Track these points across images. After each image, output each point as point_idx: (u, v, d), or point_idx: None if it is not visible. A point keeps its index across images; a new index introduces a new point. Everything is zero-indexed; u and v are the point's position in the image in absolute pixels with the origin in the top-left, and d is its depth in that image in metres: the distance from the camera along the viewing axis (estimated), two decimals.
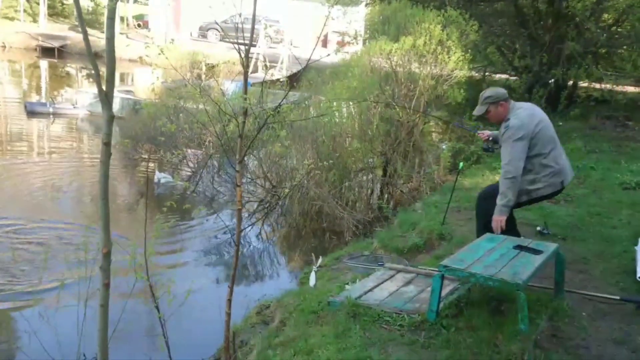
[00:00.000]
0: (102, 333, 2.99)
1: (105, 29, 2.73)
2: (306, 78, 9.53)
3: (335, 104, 8.39)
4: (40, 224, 7.57)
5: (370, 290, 3.97)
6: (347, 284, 4.35)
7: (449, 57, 7.77)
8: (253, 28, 3.46)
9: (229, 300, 3.87)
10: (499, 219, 4.04)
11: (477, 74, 9.71)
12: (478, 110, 4.33)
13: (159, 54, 4.20)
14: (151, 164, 11.35)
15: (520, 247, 3.57)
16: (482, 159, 8.56)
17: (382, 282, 4.11)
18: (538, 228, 5.29)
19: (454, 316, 3.44)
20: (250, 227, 8.54)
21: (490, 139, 4.66)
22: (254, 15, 3.50)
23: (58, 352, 4.32)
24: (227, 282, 6.54)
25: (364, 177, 9.05)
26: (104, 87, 2.70)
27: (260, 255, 7.52)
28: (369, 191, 8.65)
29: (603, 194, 6.70)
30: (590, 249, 4.84)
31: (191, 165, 11.04)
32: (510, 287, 3.09)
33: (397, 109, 8.19)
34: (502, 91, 4.30)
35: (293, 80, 17.85)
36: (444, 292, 3.84)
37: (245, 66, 3.50)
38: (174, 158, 11.12)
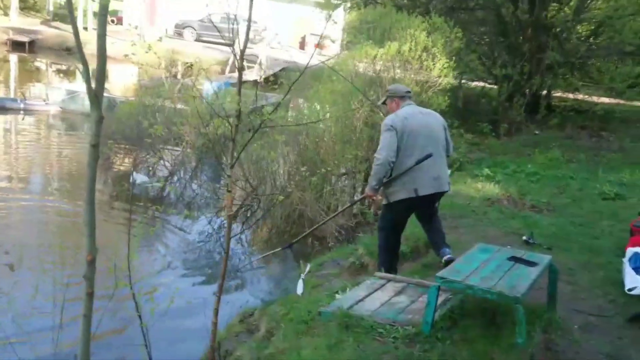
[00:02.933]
0: (84, 345, 2.84)
1: (97, 26, 2.60)
2: (289, 80, 9.42)
3: (319, 107, 8.31)
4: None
5: (361, 300, 3.90)
6: (337, 292, 4.26)
7: (434, 64, 7.77)
8: (249, 29, 3.36)
9: (216, 310, 3.76)
10: (367, 195, 4.64)
11: (455, 81, 9.75)
12: (380, 101, 5.03)
13: (147, 51, 4.06)
14: (126, 163, 11.10)
15: (514, 259, 3.54)
16: (464, 167, 8.60)
17: (373, 292, 4.03)
18: (524, 237, 5.30)
19: (448, 328, 3.39)
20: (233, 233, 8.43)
21: None
22: (249, 17, 3.39)
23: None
24: (209, 286, 6.42)
25: (346, 182, 9.01)
26: (93, 86, 2.58)
27: (240, 259, 7.37)
28: (352, 196, 8.58)
29: (583, 204, 6.79)
30: (575, 259, 4.87)
31: (168, 165, 10.83)
32: (509, 301, 3.05)
33: (382, 114, 8.16)
34: (401, 89, 4.70)
35: (269, 80, 17.82)
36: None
37: (240, 68, 3.39)
38: (150, 158, 10.90)
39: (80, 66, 2.62)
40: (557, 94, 14.77)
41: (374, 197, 4.79)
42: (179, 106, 11.62)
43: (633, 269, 4.13)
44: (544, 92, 13.61)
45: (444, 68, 7.83)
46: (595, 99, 14.54)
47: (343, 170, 8.75)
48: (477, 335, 3.31)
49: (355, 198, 8.13)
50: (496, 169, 8.33)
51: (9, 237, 6.92)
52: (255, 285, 6.61)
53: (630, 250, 4.31)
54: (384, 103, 4.89)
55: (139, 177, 9.39)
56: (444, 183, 4.65)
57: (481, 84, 14.44)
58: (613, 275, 4.50)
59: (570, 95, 14.55)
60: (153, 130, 5.43)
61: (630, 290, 4.04)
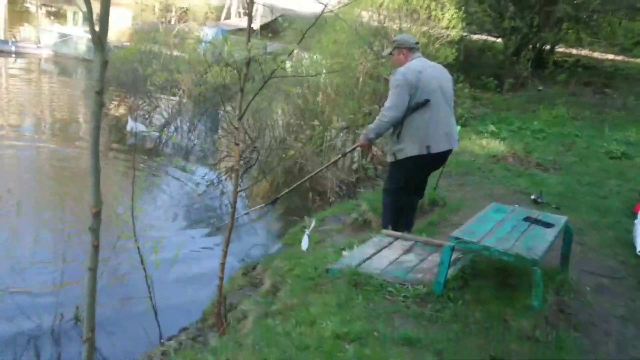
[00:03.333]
0: (89, 298, 2.75)
1: None
2: (291, 28, 9.12)
3: (320, 58, 8.04)
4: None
5: (369, 258, 3.81)
6: (344, 249, 4.17)
7: (442, 14, 7.48)
8: None
9: (222, 265, 3.68)
10: (361, 144, 4.41)
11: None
12: (385, 51, 4.60)
13: None
14: (121, 110, 10.85)
15: (530, 220, 3.45)
16: (468, 122, 8.43)
17: (380, 250, 3.95)
18: (532, 196, 5.21)
19: (460, 288, 3.32)
20: (225, 180, 8.30)
21: None
22: None
23: (33, 310, 4.08)
24: (211, 238, 6.35)
25: (348, 136, 8.84)
26: (96, 28, 2.39)
27: (238, 212, 7.27)
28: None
29: (590, 162, 6.69)
30: (584, 219, 4.80)
31: (165, 114, 10.61)
32: (526, 263, 2.97)
33: (387, 66, 7.91)
34: (410, 40, 4.38)
35: (265, 29, 17.28)
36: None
37: (250, 13, 3.17)
38: (146, 106, 10.66)
39: (75, 8, 2.40)
40: (560, 49, 14.46)
41: (367, 148, 4.59)
42: (175, 53, 11.30)
43: None
44: (547, 47, 13.29)
45: (453, 19, 7.54)
46: (597, 55, 14.24)
47: (344, 124, 8.57)
48: (489, 296, 3.24)
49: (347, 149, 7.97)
50: (501, 125, 8.18)
51: (3, 181, 6.79)
52: (256, 237, 6.54)
53: None
54: (390, 54, 4.64)
55: (136, 126, 9.18)
56: (455, 139, 4.50)
57: (483, 37, 14.07)
58: (622, 235, 4.44)
59: (574, 51, 14.24)
60: (155, 78, 5.18)
61: None
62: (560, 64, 11.74)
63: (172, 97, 10.77)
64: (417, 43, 4.46)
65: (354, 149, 4.85)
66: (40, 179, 7.44)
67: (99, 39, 2.35)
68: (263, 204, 5.38)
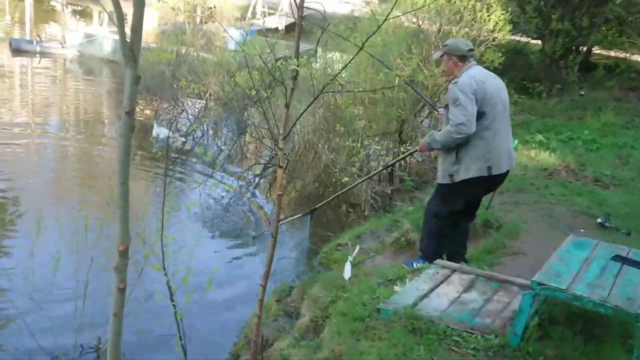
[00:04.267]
0: (114, 345, 2.39)
1: None
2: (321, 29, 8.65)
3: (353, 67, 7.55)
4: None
5: (426, 295, 3.35)
6: (394, 281, 3.72)
7: (488, 16, 6.96)
8: None
9: (261, 301, 3.25)
10: (421, 148, 4.04)
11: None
12: (435, 55, 4.06)
13: None
14: (146, 113, 10.52)
15: (620, 259, 2.95)
16: (513, 131, 7.87)
17: (437, 285, 3.49)
18: (599, 220, 4.69)
19: (538, 339, 2.84)
20: (253, 187, 7.90)
21: None
22: None
23: (52, 342, 3.72)
24: (241, 249, 5.95)
25: (380, 144, 8.37)
26: (127, 39, 1.99)
27: (268, 225, 6.85)
28: (388, 160, 7.95)
29: None
30: None
31: (191, 118, 10.25)
32: (628, 317, 2.48)
33: (425, 71, 7.42)
34: (463, 46, 3.84)
35: (291, 29, 16.86)
36: (515, 305, 3.25)
37: (300, 17, 2.73)
38: (172, 109, 10.32)
39: (105, 9, 1.97)
40: (597, 51, 13.76)
41: (424, 152, 4.20)
42: (202, 54, 10.94)
43: None
44: (585, 49, 12.63)
45: (500, 20, 7.02)
46: (635, 57, 13.42)
47: (377, 132, 8.09)
48: (574, 350, 2.76)
49: (391, 160, 7.47)
50: (549, 134, 7.63)
51: (26, 185, 6.55)
52: (287, 253, 6.10)
53: None
54: (440, 58, 4.14)
55: (161, 131, 8.82)
56: (513, 157, 4.03)
57: (516, 37, 13.41)
58: None
59: (612, 53, 13.52)
60: (190, 88, 4.70)
61: None
62: (608, 68, 11.05)
63: (198, 101, 10.40)
64: (472, 50, 3.95)
65: (411, 153, 4.32)
66: (63, 178, 7.21)
67: (132, 51, 1.95)
68: (301, 214, 4.92)
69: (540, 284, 2.66)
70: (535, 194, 5.41)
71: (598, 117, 8.98)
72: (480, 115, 3.66)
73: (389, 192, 7.21)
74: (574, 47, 11.05)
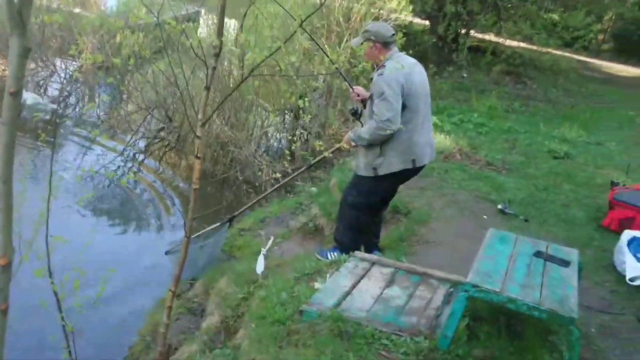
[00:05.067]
0: None
1: None
2: None
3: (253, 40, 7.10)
4: None
5: (348, 293, 3.17)
6: (310, 275, 3.50)
7: None
8: None
9: (169, 308, 2.87)
10: (345, 144, 3.82)
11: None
12: (355, 42, 3.81)
13: None
14: (6, 74, 9.19)
15: (541, 255, 2.97)
16: None
17: (359, 281, 3.32)
18: (499, 206, 4.83)
19: (468, 340, 2.78)
20: (138, 164, 7.24)
21: (366, 99, 3.81)
22: None
23: None
24: (127, 235, 5.38)
25: (278, 119, 8.06)
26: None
27: (158, 205, 6.30)
28: (287, 137, 7.68)
29: (538, 163, 6.47)
30: (555, 234, 4.48)
31: (63, 81, 9.15)
32: (562, 321, 2.47)
33: (325, 45, 7.18)
34: (386, 33, 3.63)
35: None
36: (437, 301, 3.19)
37: None
38: (41, 71, 9.13)
39: None
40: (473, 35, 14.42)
41: (348, 148, 3.93)
42: (76, 10, 9.77)
43: (634, 255, 3.77)
44: (462, 31, 13.18)
45: (402, 0, 6.95)
46: (502, 41, 14.23)
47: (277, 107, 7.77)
48: (501, 350, 2.74)
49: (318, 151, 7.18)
50: (442, 116, 7.81)
51: None
52: (179, 232, 5.63)
53: (629, 234, 3.94)
54: (360, 44, 3.90)
55: (28, 97, 7.74)
56: (433, 149, 3.95)
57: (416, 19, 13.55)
58: (601, 256, 4.17)
59: (486, 37, 14.25)
60: (48, 19, 3.93)
61: (632, 280, 3.69)
62: (493, 52, 11.58)
63: (72, 62, 9.30)
64: (394, 34, 3.76)
65: (334, 150, 4.07)
66: None
67: (20, 15, 1.48)
68: (219, 223, 4.49)
69: (475, 286, 2.58)
70: (437, 178, 5.46)
71: (482, 100, 9.39)
72: (406, 108, 3.51)
73: (290, 171, 6.94)
74: (463, 31, 11.46)
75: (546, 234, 4.44)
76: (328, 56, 4.66)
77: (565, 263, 2.91)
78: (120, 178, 6.21)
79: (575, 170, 6.33)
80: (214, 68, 2.40)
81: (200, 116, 2.48)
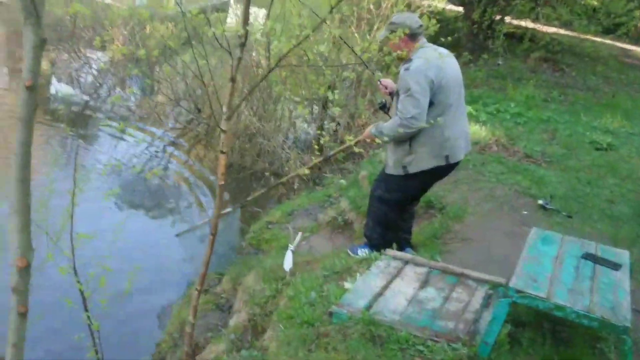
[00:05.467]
0: None
1: None
2: None
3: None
4: None
5: (380, 294, 3.02)
6: (340, 274, 3.36)
7: None
8: None
9: (195, 307, 2.77)
10: (366, 137, 3.59)
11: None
12: (381, 35, 3.56)
13: None
14: (43, 66, 9.27)
15: (591, 257, 2.76)
16: None
17: (391, 281, 3.17)
18: (540, 201, 4.58)
19: (509, 347, 2.60)
20: (167, 155, 7.19)
21: (394, 92, 3.63)
22: None
23: None
24: (159, 230, 5.34)
25: (307, 110, 7.89)
26: None
27: (187, 198, 6.24)
28: (316, 127, 7.52)
29: (579, 155, 6.16)
30: (602, 232, 4.22)
31: (94, 72, 9.18)
32: (615, 330, 2.28)
33: (355, 33, 6.98)
34: (413, 24, 3.39)
35: None
36: (476, 303, 3.01)
37: None
38: (72, 62, 9.17)
39: None
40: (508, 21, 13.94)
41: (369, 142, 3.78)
42: (107, 1, 9.77)
43: None
44: (498, 17, 12.73)
45: None
46: (539, 27, 13.70)
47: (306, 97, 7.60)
48: (545, 358, 2.56)
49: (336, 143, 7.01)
50: (477, 106, 7.53)
51: None
52: (204, 228, 5.55)
53: None
54: (387, 38, 3.68)
55: (61, 88, 7.77)
56: (469, 141, 3.75)
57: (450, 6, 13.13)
58: None
59: (522, 23, 13.76)
60: (75, 8, 3.64)
61: None
62: (531, 39, 11.15)
63: (102, 53, 9.32)
64: (421, 26, 3.52)
65: (356, 142, 3.86)
66: None
67: (33, 4, 1.38)
68: (231, 208, 4.40)
69: (518, 291, 2.39)
70: (473, 171, 5.23)
71: (519, 89, 9.04)
72: (437, 102, 3.32)
73: (319, 164, 6.80)
74: (498, 17, 11.06)
75: (591, 231, 4.20)
76: (354, 51, 4.48)
77: (616, 266, 2.70)
78: (147, 172, 6.15)
79: (619, 162, 6.01)
80: (240, 59, 2.27)
81: (225, 109, 2.35)
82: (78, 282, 2.57)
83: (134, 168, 5.84)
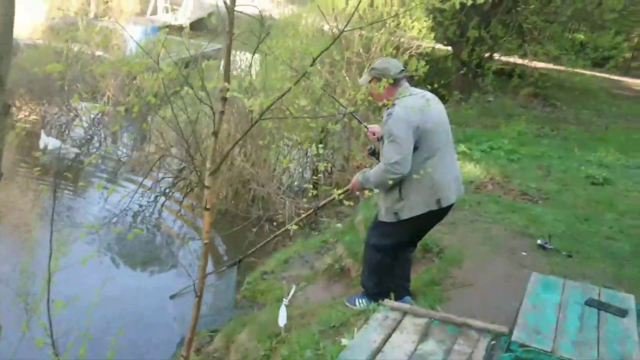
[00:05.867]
0: None
1: None
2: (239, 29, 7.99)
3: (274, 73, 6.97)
4: None
5: (379, 349, 2.88)
6: (336, 328, 3.22)
7: (412, 23, 6.68)
8: None
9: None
10: (353, 188, 3.59)
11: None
12: (363, 80, 3.58)
13: None
14: (32, 120, 9.26)
15: (594, 304, 2.65)
16: None
17: (390, 334, 3.03)
18: (539, 241, 4.48)
19: None
20: (159, 203, 7.09)
21: (380, 140, 3.60)
22: None
23: None
24: (150, 281, 5.19)
25: (299, 153, 7.87)
26: None
27: (178, 251, 6.12)
28: (308, 171, 7.47)
29: (576, 190, 6.10)
30: (605, 271, 4.12)
31: (85, 125, 9.16)
32: None
33: (345, 77, 7.02)
34: (393, 68, 3.37)
35: (197, 26, 15.89)
36: (479, 356, 2.87)
37: (231, 26, 2.14)
38: (62, 116, 9.16)
39: None
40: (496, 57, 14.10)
41: (357, 191, 3.78)
42: (98, 53, 9.86)
43: None
44: (486, 55, 12.89)
45: (423, 28, 6.76)
46: (527, 62, 13.82)
47: (299, 140, 7.57)
48: None
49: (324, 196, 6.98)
50: (471, 144, 7.51)
51: None
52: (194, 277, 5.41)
53: None
54: (369, 82, 3.53)
55: (50, 141, 7.73)
56: (461, 183, 3.68)
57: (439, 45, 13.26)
58: None
59: (510, 59, 13.93)
60: (51, 68, 3.60)
61: None
62: (520, 75, 11.25)
63: (94, 105, 9.33)
64: (403, 70, 3.48)
65: (343, 193, 3.79)
66: None
67: None
68: (227, 265, 4.26)
69: (522, 345, 2.27)
70: (469, 211, 5.15)
71: (511, 125, 9.08)
72: (423, 147, 3.28)
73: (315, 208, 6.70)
74: (487, 55, 11.21)
75: (592, 271, 4.09)
76: (341, 104, 4.48)
77: (622, 312, 2.59)
78: (129, 231, 6.03)
79: (616, 196, 5.94)
80: (222, 112, 2.20)
81: (208, 164, 2.27)
82: (56, 355, 2.42)
83: (115, 230, 5.72)
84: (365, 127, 3.80)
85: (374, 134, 3.63)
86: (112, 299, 4.11)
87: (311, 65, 2.08)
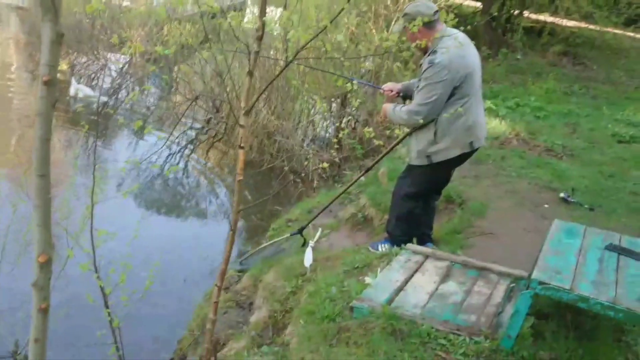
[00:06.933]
0: None
1: None
2: None
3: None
4: None
5: (401, 288, 3.01)
6: (360, 269, 3.35)
7: None
8: None
9: (216, 304, 2.78)
10: (383, 114, 3.59)
11: None
12: (396, 28, 3.53)
13: None
14: (63, 67, 9.39)
15: (615, 249, 2.71)
16: None
17: (412, 275, 3.15)
18: (561, 195, 4.52)
19: (532, 340, 2.57)
20: (184, 155, 7.23)
21: (400, 94, 3.63)
22: None
23: None
24: (178, 231, 5.39)
25: (325, 107, 7.88)
26: None
27: (207, 197, 6.29)
28: (336, 125, 7.51)
29: (602, 148, 6.08)
30: (625, 225, 4.14)
31: (114, 74, 9.28)
32: None
33: (372, 29, 6.96)
34: (425, 10, 3.27)
35: None
36: (498, 297, 2.98)
37: None
38: (91, 65, 9.29)
39: None
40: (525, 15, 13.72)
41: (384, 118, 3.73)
42: (125, 3, 9.88)
43: None
44: (516, 12, 12.56)
45: None
46: (558, 21, 13.45)
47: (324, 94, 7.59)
48: (568, 351, 2.52)
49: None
50: (497, 101, 7.46)
51: None
52: (224, 226, 5.60)
53: None
54: (403, 29, 3.42)
55: (81, 89, 7.87)
56: (486, 130, 3.73)
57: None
58: None
59: (541, 17, 13.56)
60: (90, 9, 3.64)
61: None
62: (551, 33, 11.00)
63: (122, 55, 9.42)
64: (437, 12, 3.39)
65: (401, 140, 3.66)
66: None
67: (51, 0, 1.39)
68: (289, 234, 4.27)
69: (541, 282, 2.36)
70: (493, 166, 5.19)
71: (539, 83, 8.94)
72: (460, 91, 3.30)
73: (338, 160, 6.79)
74: (516, 11, 10.95)
75: (615, 224, 4.12)
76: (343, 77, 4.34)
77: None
78: (166, 170, 6.21)
79: None
80: (257, 52, 2.27)
81: (243, 104, 2.35)
82: (98, 278, 2.59)
83: (153, 165, 5.86)
84: (380, 88, 3.83)
85: (391, 91, 3.65)
86: (144, 238, 4.29)
87: (347, 1, 2.11)
